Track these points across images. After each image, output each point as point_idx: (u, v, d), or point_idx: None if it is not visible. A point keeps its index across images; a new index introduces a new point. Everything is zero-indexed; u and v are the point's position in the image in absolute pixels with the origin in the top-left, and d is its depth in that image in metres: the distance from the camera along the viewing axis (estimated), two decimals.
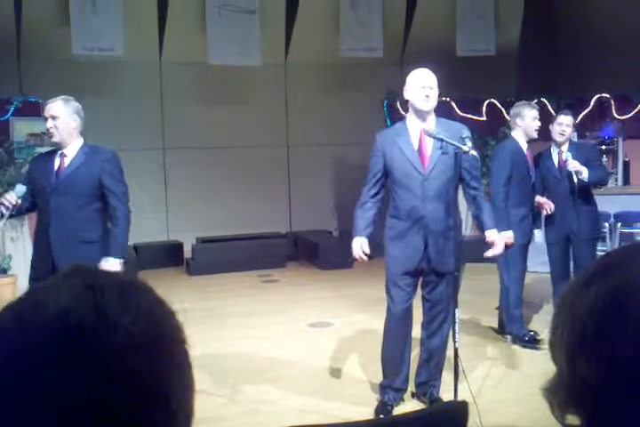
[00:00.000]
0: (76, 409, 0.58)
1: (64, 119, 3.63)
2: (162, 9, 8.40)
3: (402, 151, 3.58)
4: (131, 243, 8.36)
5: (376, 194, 3.69)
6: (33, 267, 3.73)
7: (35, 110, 7.10)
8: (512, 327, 4.92)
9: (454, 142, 3.42)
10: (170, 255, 8.38)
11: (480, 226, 3.78)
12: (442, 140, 3.53)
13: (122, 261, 3.58)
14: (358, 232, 3.66)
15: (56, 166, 3.65)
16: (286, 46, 9.24)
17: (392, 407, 3.66)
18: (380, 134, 3.74)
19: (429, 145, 3.58)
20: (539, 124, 4.89)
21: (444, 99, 8.43)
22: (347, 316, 5.54)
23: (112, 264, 3.51)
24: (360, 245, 3.61)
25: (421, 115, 3.61)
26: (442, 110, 8.22)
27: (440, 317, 3.66)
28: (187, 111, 8.87)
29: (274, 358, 4.64)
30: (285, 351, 4.80)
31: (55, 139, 3.64)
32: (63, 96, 3.72)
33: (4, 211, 3.50)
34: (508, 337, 4.93)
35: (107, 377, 0.59)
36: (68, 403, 0.58)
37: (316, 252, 8.26)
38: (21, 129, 6.96)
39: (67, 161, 3.66)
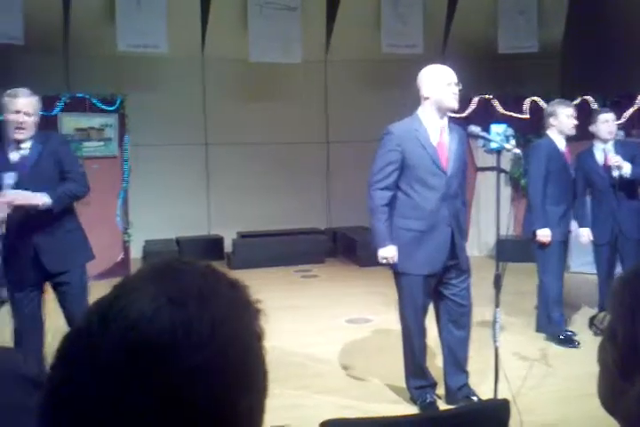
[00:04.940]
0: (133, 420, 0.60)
1: (35, 117, 3.55)
2: (204, 6, 8.50)
3: (424, 148, 3.47)
4: (173, 236, 8.62)
5: (388, 197, 3.52)
6: (10, 265, 3.59)
7: (82, 106, 7.27)
8: (548, 327, 4.88)
9: (498, 141, 3.41)
10: (211, 249, 8.49)
11: None
12: (484, 138, 3.52)
13: (49, 203, 3.43)
14: (387, 240, 3.52)
15: (14, 159, 3.53)
16: (327, 43, 9.26)
17: (436, 404, 3.68)
18: (396, 129, 3.53)
19: (447, 143, 3.54)
20: (575, 121, 4.81)
21: (485, 96, 8.37)
22: (385, 312, 5.54)
23: (42, 198, 3.40)
24: (394, 252, 3.54)
25: (444, 112, 3.53)
26: (484, 108, 8.23)
27: (468, 313, 3.66)
28: (228, 107, 8.96)
29: (313, 353, 4.68)
30: (324, 347, 4.83)
31: (23, 135, 3.51)
32: (26, 89, 3.56)
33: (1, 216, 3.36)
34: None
35: (169, 398, 0.60)
36: (127, 416, 0.60)
37: (354, 248, 8.28)
38: (69, 124, 7.13)
39: (24, 152, 3.55)
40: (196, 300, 0.64)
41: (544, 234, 4.71)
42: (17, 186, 3.44)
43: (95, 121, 7.36)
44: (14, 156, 3.54)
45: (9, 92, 3.53)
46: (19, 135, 3.50)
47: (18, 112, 3.47)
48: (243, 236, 8.71)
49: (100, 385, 0.60)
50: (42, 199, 3.42)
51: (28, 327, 3.58)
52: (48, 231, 3.56)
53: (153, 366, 0.60)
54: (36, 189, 3.45)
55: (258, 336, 0.69)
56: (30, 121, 3.51)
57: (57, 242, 3.57)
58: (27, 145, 3.56)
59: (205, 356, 0.61)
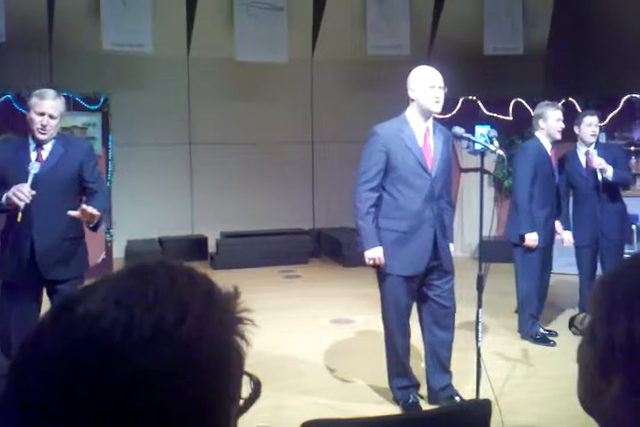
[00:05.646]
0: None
1: (59, 119, 3.51)
2: (190, 5, 8.47)
3: (409, 149, 3.48)
4: (156, 236, 8.56)
5: (375, 198, 3.51)
6: (4, 264, 3.51)
7: (65, 105, 7.19)
8: (523, 326, 4.93)
9: (482, 142, 3.42)
10: (194, 249, 8.46)
11: None
12: (469, 139, 3.54)
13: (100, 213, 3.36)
14: (375, 241, 3.52)
15: (33, 158, 3.47)
16: (313, 43, 9.26)
17: (419, 404, 3.69)
18: (382, 129, 3.54)
19: (432, 144, 3.55)
20: (562, 125, 4.82)
21: (470, 98, 8.41)
22: (368, 313, 5.54)
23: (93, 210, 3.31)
24: (381, 253, 3.54)
25: (427, 114, 3.55)
26: (468, 109, 8.27)
27: (451, 314, 3.68)
28: (213, 107, 8.92)
29: (295, 354, 4.67)
30: (307, 347, 4.83)
31: (45, 136, 3.47)
32: (53, 91, 3.53)
33: (21, 204, 3.25)
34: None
35: (108, 399, 0.58)
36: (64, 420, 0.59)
37: (339, 249, 8.29)
38: None
39: (45, 153, 3.51)
40: (146, 303, 0.62)
41: (532, 238, 4.70)
42: (32, 184, 3.34)
43: (78, 120, 7.30)
44: (33, 155, 3.50)
45: (37, 92, 3.50)
46: (41, 136, 3.47)
47: (43, 114, 3.43)
48: (227, 236, 8.68)
49: (39, 385, 0.59)
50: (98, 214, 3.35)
51: (16, 332, 3.46)
52: (48, 238, 3.49)
53: (90, 365, 0.59)
54: (46, 191, 3.40)
55: (231, 347, 0.66)
56: (54, 123, 3.48)
57: (56, 249, 3.50)
58: (48, 147, 3.54)
59: (148, 360, 0.59)
